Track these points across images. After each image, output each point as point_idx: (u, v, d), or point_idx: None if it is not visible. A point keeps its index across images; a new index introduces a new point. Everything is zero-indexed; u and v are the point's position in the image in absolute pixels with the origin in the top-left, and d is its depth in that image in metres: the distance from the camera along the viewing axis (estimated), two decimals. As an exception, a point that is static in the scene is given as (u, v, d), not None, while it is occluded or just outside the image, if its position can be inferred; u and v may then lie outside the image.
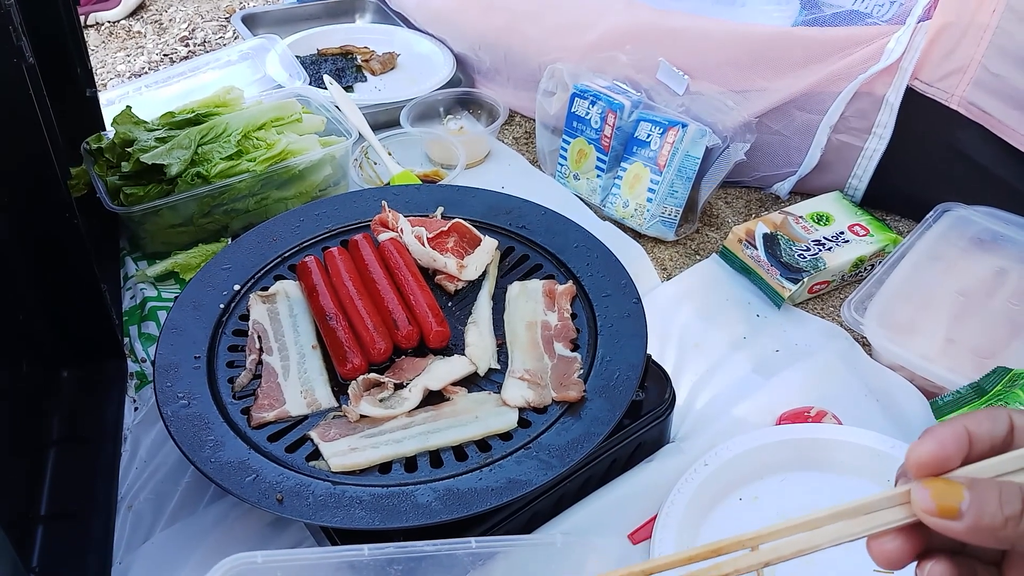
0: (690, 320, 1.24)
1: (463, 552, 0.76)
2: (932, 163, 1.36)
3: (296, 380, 0.98)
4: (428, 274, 1.11)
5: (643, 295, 1.05)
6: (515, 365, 0.98)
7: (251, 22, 1.91)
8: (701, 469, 0.98)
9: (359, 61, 1.81)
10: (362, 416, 0.92)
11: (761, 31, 1.43)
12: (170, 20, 2.14)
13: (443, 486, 0.85)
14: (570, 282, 1.07)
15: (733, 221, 1.44)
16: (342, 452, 0.89)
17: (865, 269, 1.31)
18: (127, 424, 1.10)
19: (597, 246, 1.12)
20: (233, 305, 1.07)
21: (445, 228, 1.13)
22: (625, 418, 0.94)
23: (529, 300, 1.06)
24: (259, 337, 1.02)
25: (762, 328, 1.24)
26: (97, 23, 2.12)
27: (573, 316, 1.04)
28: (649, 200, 1.37)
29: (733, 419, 1.08)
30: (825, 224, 1.34)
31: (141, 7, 2.18)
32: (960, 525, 0.41)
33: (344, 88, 1.66)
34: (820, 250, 1.28)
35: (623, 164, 1.41)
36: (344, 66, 1.78)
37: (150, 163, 1.26)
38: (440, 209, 1.19)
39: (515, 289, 1.08)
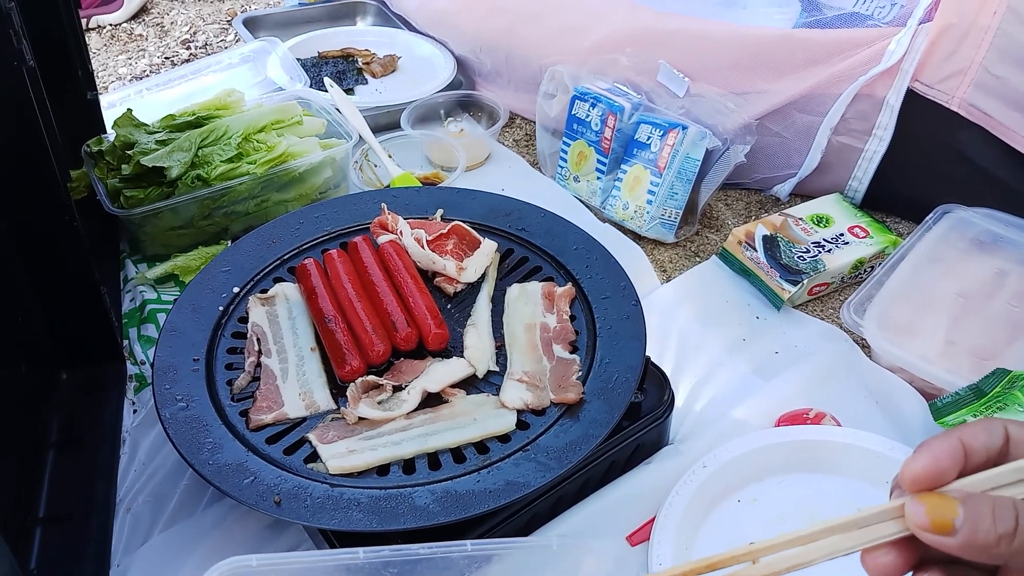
0: (689, 322, 1.24)
1: (459, 555, 0.76)
2: (932, 165, 1.36)
3: (295, 382, 0.98)
4: (427, 276, 1.11)
5: (643, 297, 1.05)
6: (514, 367, 0.98)
7: (252, 25, 1.92)
8: (700, 471, 0.98)
9: (360, 64, 1.81)
10: (360, 418, 0.92)
11: (762, 33, 1.43)
12: (172, 23, 2.15)
13: (441, 488, 0.85)
14: (569, 284, 1.07)
15: (733, 223, 1.44)
16: (340, 454, 0.89)
17: (865, 271, 1.31)
18: (126, 426, 1.10)
19: (596, 248, 1.12)
20: (232, 307, 1.07)
21: (445, 230, 1.13)
22: (624, 420, 0.94)
23: (528, 302, 1.06)
24: (258, 339, 1.02)
25: (761, 330, 1.24)
26: (99, 26, 2.12)
27: (572, 318, 1.04)
28: (649, 202, 1.37)
29: (732, 421, 1.08)
30: (825, 226, 1.33)
31: (143, 10, 2.19)
32: (954, 541, 0.41)
33: (345, 90, 1.66)
34: (820, 252, 1.28)
35: (623, 166, 1.41)
36: (345, 69, 1.79)
37: (150, 166, 1.26)
38: (440, 211, 1.19)
39: (514, 291, 1.08)
